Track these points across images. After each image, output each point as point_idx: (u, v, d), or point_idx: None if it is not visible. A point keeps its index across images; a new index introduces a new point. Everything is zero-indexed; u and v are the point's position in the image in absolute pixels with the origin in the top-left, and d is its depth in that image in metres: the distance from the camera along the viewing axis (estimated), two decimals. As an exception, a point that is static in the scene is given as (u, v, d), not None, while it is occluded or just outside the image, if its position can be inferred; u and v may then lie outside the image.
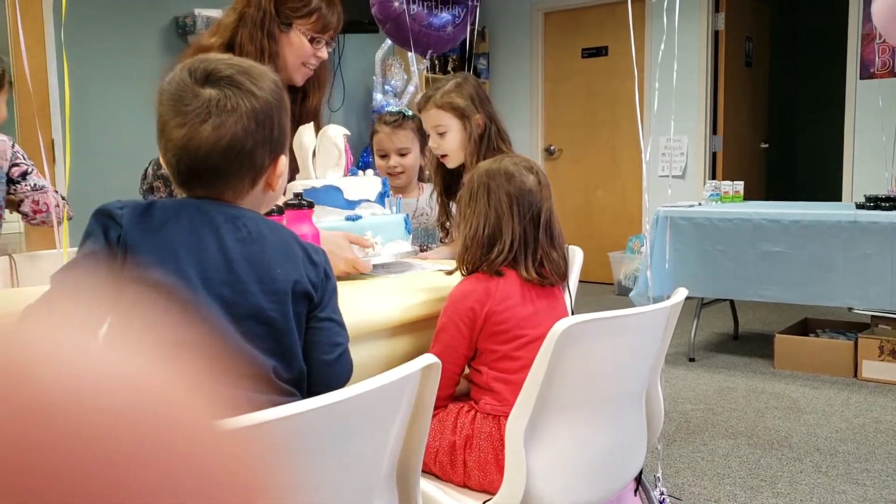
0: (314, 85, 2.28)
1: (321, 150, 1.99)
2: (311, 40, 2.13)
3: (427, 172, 2.87)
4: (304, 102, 2.28)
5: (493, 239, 1.67)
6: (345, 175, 2.02)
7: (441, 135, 2.35)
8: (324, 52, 2.18)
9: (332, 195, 1.95)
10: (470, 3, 3.65)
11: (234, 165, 1.20)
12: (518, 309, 1.64)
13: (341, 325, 1.30)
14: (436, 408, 1.64)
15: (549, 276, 1.69)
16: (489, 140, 2.33)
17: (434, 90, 2.38)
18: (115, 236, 1.15)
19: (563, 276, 1.74)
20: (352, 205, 1.96)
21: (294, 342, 1.22)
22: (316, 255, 1.29)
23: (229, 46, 2.08)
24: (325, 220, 1.92)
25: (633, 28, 2.60)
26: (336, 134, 1.98)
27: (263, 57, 2.06)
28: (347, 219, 1.94)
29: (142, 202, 1.22)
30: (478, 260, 1.69)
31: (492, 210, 1.68)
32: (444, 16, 3.46)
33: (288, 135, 1.29)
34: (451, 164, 2.40)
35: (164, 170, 2.16)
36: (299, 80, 2.20)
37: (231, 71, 1.20)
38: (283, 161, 1.27)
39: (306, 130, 2.00)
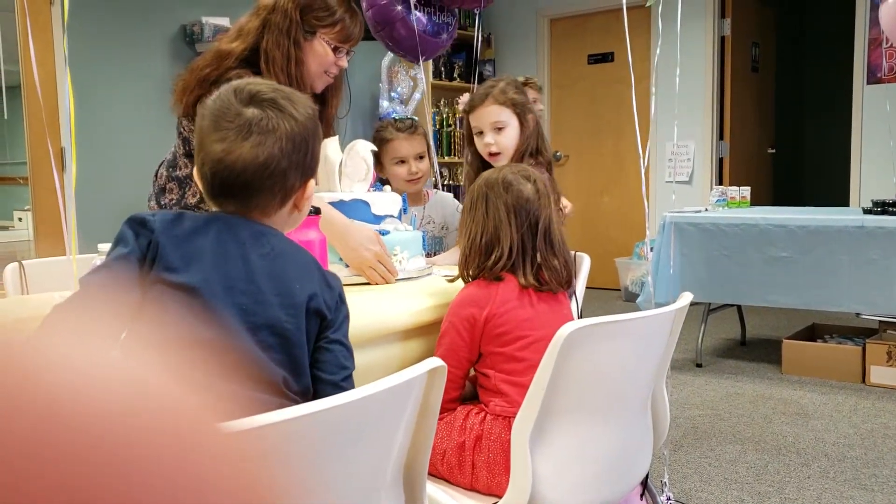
0: (332, 93, 2.32)
1: (349, 164, 2.03)
2: (335, 49, 2.15)
3: (433, 179, 2.87)
4: (324, 111, 2.31)
5: (490, 246, 1.71)
6: (369, 190, 2.06)
7: (499, 130, 2.34)
8: (344, 62, 2.21)
9: (360, 209, 2.00)
10: (478, 8, 3.66)
11: (267, 183, 1.25)
12: (517, 311, 1.67)
13: (350, 350, 1.32)
14: (443, 411, 1.65)
15: (547, 283, 1.72)
16: (537, 139, 2.34)
17: (490, 87, 2.38)
18: (145, 242, 1.21)
19: (565, 283, 1.75)
20: (378, 219, 2.02)
21: (304, 357, 1.25)
22: (333, 281, 1.33)
23: (254, 51, 2.11)
24: None
25: (639, 34, 2.61)
26: (364, 149, 2.03)
27: (290, 63, 2.10)
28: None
29: (172, 213, 1.28)
30: (477, 267, 1.73)
31: (490, 219, 1.72)
32: (441, 22, 3.45)
33: (318, 160, 1.35)
34: (502, 161, 2.38)
35: (179, 171, 2.20)
36: (320, 87, 2.23)
37: (274, 95, 1.26)
38: (312, 185, 1.33)
39: (330, 144, 2.04)
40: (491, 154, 2.36)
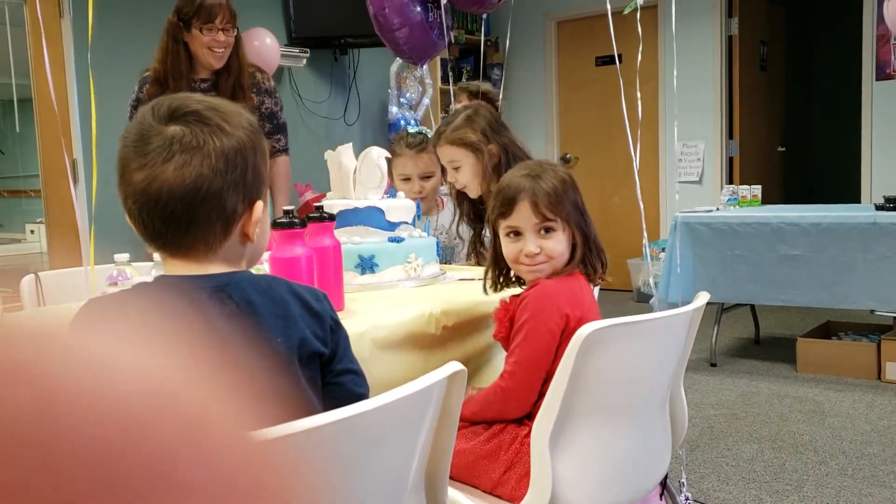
0: (232, 63, 2.97)
1: (363, 170, 2.04)
2: (201, 30, 2.84)
3: (444, 185, 2.87)
4: (227, 79, 2.97)
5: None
6: (383, 197, 2.07)
7: (455, 169, 2.40)
8: (220, 36, 2.88)
9: (374, 216, 2.00)
10: (484, 15, 3.67)
11: (201, 210, 1.07)
12: (596, 314, 1.63)
13: (360, 373, 1.22)
14: (498, 423, 1.61)
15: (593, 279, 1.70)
16: (509, 167, 2.33)
17: (445, 125, 2.42)
18: None
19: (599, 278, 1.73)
20: (393, 226, 2.02)
21: (313, 410, 1.10)
22: (317, 304, 1.18)
23: (160, 61, 2.90)
24: (368, 241, 1.97)
25: (644, 36, 2.62)
26: (379, 156, 2.04)
27: (179, 56, 2.87)
28: (390, 240, 1.99)
29: (110, 308, 1.09)
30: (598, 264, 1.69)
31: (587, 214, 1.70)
32: (444, 23, 3.46)
33: (265, 179, 1.16)
34: (473, 194, 2.43)
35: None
36: (214, 63, 2.92)
37: (199, 106, 1.08)
38: (259, 207, 1.13)
39: (345, 151, 2.06)
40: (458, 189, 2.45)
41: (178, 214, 1.06)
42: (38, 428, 0.25)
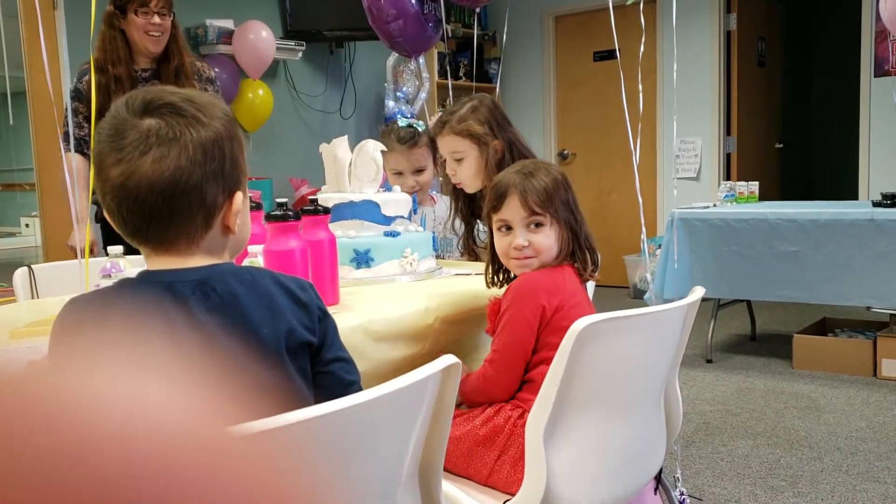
0: (171, 48, 3.00)
1: (358, 164, 2.03)
2: (137, 13, 2.88)
3: (439, 178, 2.85)
4: (167, 65, 3.01)
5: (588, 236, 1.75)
6: (378, 191, 2.06)
7: (458, 161, 2.33)
8: (156, 19, 2.91)
9: (370, 210, 1.99)
10: (478, 10, 3.67)
11: (181, 203, 1.05)
12: (584, 307, 1.66)
13: (349, 361, 1.22)
14: (489, 406, 1.63)
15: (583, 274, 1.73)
16: (512, 163, 2.30)
17: (449, 115, 2.34)
18: None
19: (591, 274, 1.76)
20: (388, 220, 2.01)
21: (303, 401, 1.11)
22: (303, 294, 1.17)
23: (99, 49, 2.90)
24: (364, 235, 1.96)
25: (644, 30, 2.62)
26: (374, 149, 2.03)
27: (116, 43, 2.89)
28: (386, 234, 1.98)
29: (93, 307, 1.08)
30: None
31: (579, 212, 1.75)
32: (438, 16, 3.44)
33: (244, 170, 1.15)
34: (469, 190, 2.38)
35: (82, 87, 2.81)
36: (151, 47, 2.94)
37: (173, 98, 1.07)
38: (239, 198, 1.12)
39: (340, 144, 2.05)
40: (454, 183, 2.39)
41: (158, 208, 1.05)
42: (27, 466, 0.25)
